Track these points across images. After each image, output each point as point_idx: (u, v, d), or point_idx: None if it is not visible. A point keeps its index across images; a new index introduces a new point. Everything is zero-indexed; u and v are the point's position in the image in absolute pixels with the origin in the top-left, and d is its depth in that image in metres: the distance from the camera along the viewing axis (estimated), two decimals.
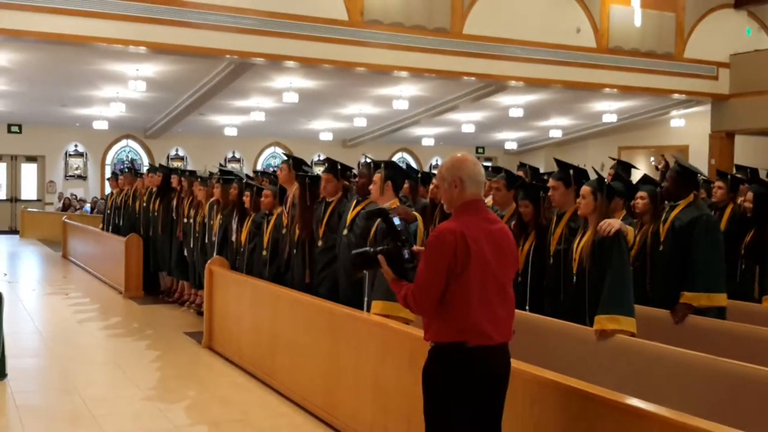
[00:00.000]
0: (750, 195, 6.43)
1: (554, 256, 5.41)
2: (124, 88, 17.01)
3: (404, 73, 16.02)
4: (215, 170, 10.42)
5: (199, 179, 10.03)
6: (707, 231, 5.42)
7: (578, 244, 5.07)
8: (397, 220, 3.46)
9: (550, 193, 5.60)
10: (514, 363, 3.40)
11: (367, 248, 3.57)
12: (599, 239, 4.83)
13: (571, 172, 5.50)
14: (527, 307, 5.63)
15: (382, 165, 5.62)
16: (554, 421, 3.51)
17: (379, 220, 3.42)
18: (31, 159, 24.83)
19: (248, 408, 5.99)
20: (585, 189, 5.03)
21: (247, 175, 9.60)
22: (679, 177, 5.69)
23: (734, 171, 8.21)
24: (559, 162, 5.82)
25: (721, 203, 6.68)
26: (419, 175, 8.06)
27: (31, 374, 7.09)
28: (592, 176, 5.40)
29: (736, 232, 6.43)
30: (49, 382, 6.88)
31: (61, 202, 24.04)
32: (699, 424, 2.90)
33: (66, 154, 24.97)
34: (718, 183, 6.69)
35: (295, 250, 6.80)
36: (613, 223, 4.80)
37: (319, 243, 6.48)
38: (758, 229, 6.30)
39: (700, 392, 4.01)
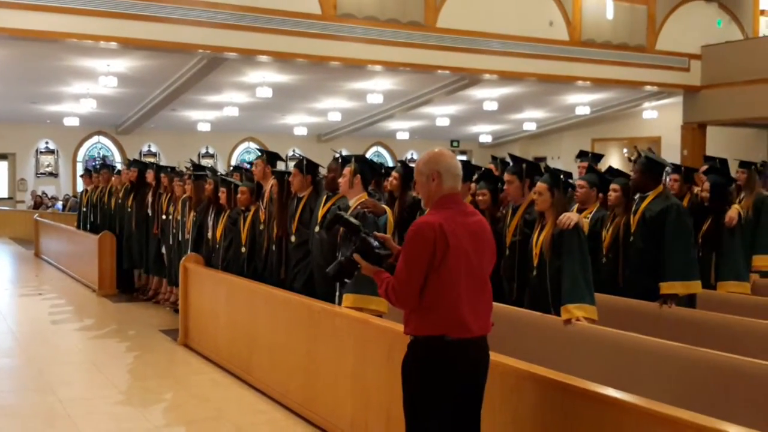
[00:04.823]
0: (707, 185, 6.63)
1: (510, 247, 5.60)
2: (94, 84, 16.79)
3: (378, 67, 16.00)
4: (188, 166, 10.32)
5: (179, 176, 9.92)
6: (678, 220, 5.52)
7: (537, 237, 5.19)
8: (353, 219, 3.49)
9: (505, 186, 5.78)
10: (492, 355, 3.42)
11: (339, 259, 3.51)
12: (559, 232, 4.97)
13: (524, 166, 5.71)
14: None
15: (353, 159, 5.66)
16: (532, 412, 3.53)
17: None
18: (1, 157, 24.46)
19: (225, 405, 5.96)
20: (541, 186, 5.15)
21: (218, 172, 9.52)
22: (646, 169, 5.81)
23: (703, 162, 8.31)
24: (513, 157, 6.08)
25: (678, 195, 6.82)
26: (383, 171, 8.07)
27: (5, 374, 7.01)
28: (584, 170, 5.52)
29: (694, 221, 6.55)
30: (24, 382, 6.80)
31: (33, 200, 23.72)
32: (674, 413, 2.94)
33: (37, 151, 24.61)
34: (673, 176, 6.87)
35: (273, 247, 6.79)
36: (572, 217, 4.99)
37: (293, 239, 6.49)
38: (715, 218, 6.50)
39: (674, 381, 4.07)
